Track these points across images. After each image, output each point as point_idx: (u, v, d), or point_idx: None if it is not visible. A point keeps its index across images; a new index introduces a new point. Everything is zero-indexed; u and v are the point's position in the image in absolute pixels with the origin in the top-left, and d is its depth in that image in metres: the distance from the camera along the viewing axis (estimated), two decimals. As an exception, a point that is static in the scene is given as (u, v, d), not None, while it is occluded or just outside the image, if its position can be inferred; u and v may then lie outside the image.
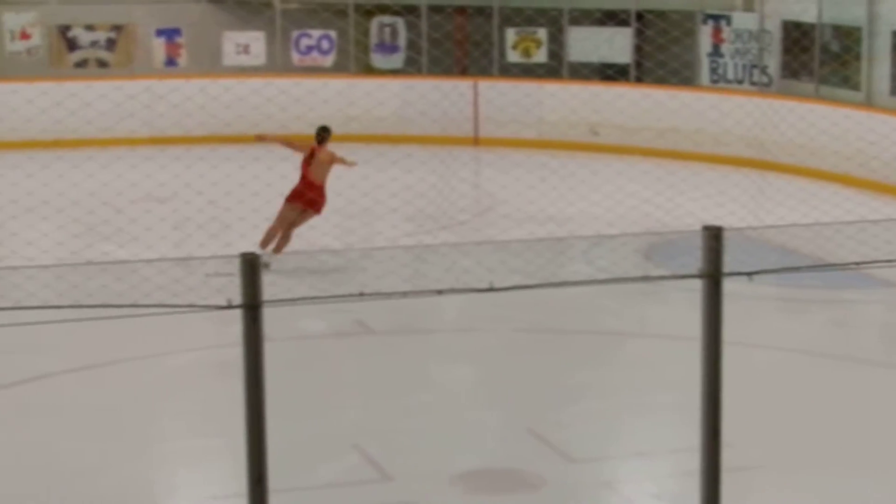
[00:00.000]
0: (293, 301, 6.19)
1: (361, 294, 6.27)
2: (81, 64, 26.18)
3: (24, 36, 25.82)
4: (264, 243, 16.55)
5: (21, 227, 17.33)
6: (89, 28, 26.18)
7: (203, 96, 24.02)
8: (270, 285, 6.04)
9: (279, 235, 16.65)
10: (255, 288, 6.01)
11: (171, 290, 8.09)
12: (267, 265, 16.03)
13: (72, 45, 26.13)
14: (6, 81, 25.11)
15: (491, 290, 6.50)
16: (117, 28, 26.33)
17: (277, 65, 26.43)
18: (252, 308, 6.00)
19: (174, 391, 12.46)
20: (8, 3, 26.50)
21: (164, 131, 25.22)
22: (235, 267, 6.02)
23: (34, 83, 24.29)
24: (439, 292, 6.49)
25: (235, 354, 6.31)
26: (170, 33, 26.25)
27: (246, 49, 26.25)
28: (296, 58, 26.47)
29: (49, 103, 22.78)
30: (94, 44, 26.20)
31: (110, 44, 26.30)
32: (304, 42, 26.44)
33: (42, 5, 25.97)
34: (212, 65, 26.18)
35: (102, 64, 26.27)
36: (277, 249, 16.59)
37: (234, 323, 6.13)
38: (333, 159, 16.70)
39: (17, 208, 17.97)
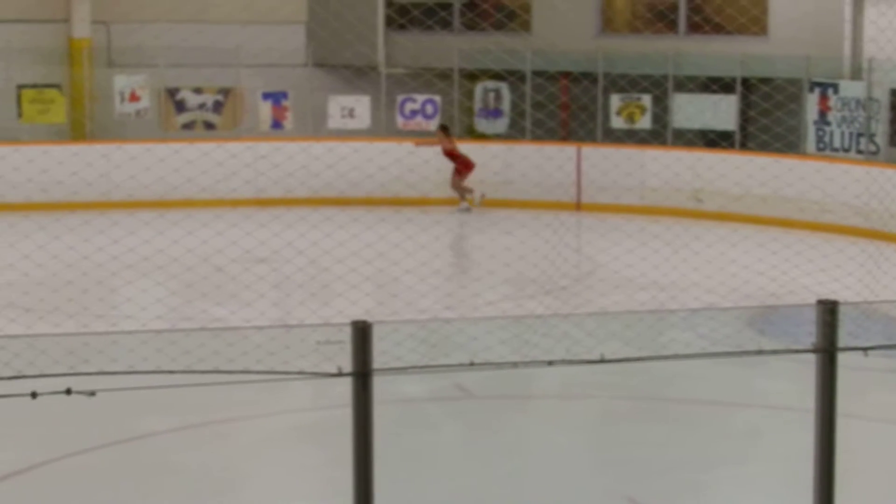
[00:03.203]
0: (403, 370, 6.19)
1: (472, 364, 6.26)
2: (189, 126, 26.55)
3: (134, 98, 26.24)
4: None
5: (135, 292, 17.58)
6: (197, 91, 26.57)
7: (306, 157, 24.26)
8: (381, 353, 6.05)
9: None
10: (365, 356, 6.03)
11: (281, 356, 8.13)
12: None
13: (180, 107, 26.52)
14: (116, 142, 25.60)
15: (602, 361, 6.45)
16: (224, 91, 26.69)
17: (382, 128, 26.60)
18: (363, 376, 6.01)
19: (273, 453, 12.48)
20: (118, 66, 26.97)
21: (268, 192, 25.49)
22: (346, 334, 6.04)
23: (142, 144, 24.81)
24: (550, 363, 6.45)
25: (334, 417, 6.32)
26: (276, 97, 26.56)
27: (351, 112, 26.46)
28: (400, 122, 26.62)
29: (157, 164, 23.24)
30: (201, 106, 26.57)
31: (217, 106, 26.66)
32: (409, 106, 26.58)
33: (151, 68, 26.38)
34: (317, 128, 26.42)
35: (209, 126, 26.62)
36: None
37: (336, 385, 6.14)
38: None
39: (133, 273, 18.19)
